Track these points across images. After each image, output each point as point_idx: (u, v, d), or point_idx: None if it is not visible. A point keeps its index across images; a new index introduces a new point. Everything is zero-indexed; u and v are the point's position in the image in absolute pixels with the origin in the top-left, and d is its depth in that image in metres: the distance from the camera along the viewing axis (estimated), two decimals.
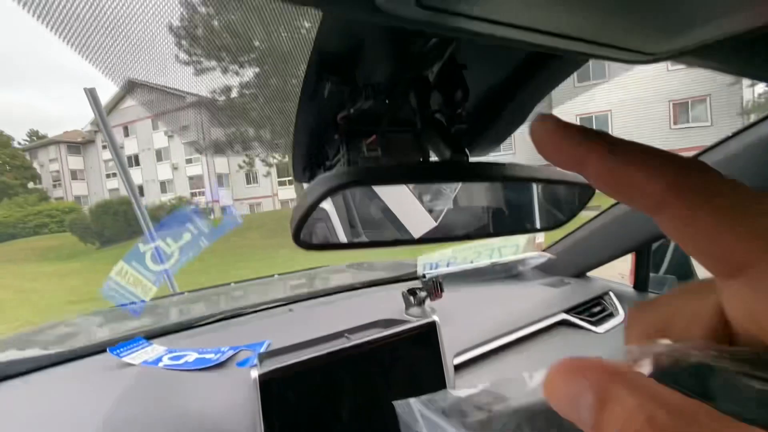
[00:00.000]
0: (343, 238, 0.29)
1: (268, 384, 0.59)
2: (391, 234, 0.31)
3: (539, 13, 0.20)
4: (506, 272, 1.20)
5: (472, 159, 0.36)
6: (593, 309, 1.09)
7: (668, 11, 0.21)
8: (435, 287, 0.87)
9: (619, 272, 1.26)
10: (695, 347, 0.13)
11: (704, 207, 0.13)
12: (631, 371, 0.12)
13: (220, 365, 0.76)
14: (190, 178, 20.96)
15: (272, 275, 1.85)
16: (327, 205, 0.24)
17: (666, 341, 0.14)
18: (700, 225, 0.13)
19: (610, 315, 1.10)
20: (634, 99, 12.71)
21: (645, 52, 0.27)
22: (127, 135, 19.76)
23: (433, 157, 0.34)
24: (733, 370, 0.12)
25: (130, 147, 21.26)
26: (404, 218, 0.30)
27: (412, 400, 0.16)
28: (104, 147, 21.08)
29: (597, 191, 0.16)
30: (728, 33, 0.24)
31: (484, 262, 1.20)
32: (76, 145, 24.82)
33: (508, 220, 0.39)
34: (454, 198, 0.35)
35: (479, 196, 0.38)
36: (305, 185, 0.50)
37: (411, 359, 0.73)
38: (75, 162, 24.80)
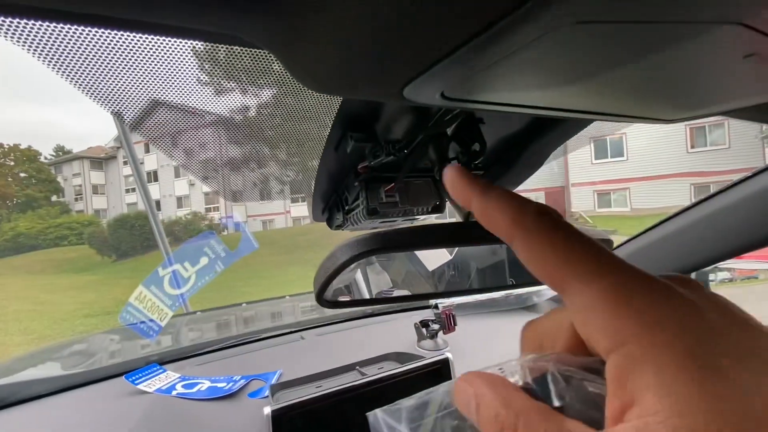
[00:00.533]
0: (365, 295, 0.29)
1: (281, 420, 0.59)
2: (413, 289, 0.31)
3: (558, 98, 0.21)
4: (520, 303, 1.18)
5: None
6: None
7: (687, 94, 0.22)
8: (448, 321, 0.86)
9: None
10: (555, 359, 0.16)
11: (537, 239, 0.16)
12: (499, 380, 0.16)
13: (232, 395, 0.76)
14: (206, 193, 21.41)
15: (284, 296, 1.85)
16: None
17: (538, 354, 0.17)
18: (534, 252, 0.16)
19: None
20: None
21: (663, 119, 0.27)
22: (147, 151, 20.37)
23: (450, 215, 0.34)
24: (578, 377, 0.15)
25: (149, 163, 21.93)
26: (426, 273, 0.31)
27: (379, 411, 0.19)
28: (125, 163, 21.78)
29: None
30: (749, 104, 0.25)
31: (497, 292, 1.19)
32: (99, 160, 25.73)
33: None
34: (478, 251, 0.35)
35: (504, 249, 0.38)
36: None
37: None
38: (97, 177, 25.63)
